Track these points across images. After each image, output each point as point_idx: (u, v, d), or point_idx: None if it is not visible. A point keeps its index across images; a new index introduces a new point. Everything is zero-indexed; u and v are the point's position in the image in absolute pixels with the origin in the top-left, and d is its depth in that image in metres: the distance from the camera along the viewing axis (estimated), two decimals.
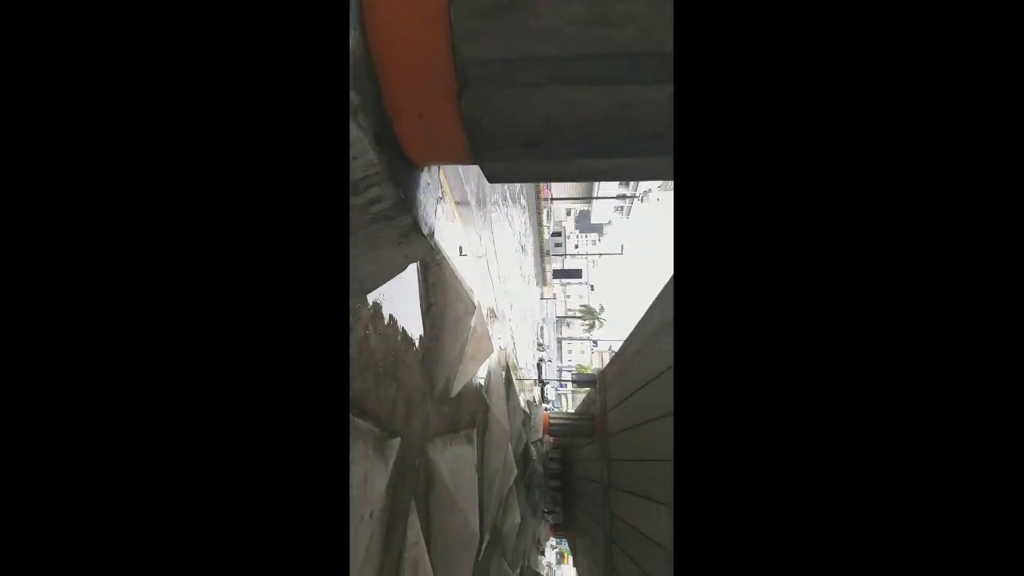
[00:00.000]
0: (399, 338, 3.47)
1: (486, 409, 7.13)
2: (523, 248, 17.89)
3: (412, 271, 3.71)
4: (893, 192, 0.79)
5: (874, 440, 0.79)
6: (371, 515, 2.91)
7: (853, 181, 0.81)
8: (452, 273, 4.20)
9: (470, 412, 6.15)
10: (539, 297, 25.94)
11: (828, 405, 0.81)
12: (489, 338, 6.52)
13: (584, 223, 69.06)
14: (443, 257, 4.05)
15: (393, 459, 3.15)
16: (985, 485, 0.74)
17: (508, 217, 12.72)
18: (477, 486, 5.87)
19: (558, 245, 34.46)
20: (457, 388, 5.10)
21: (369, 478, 2.88)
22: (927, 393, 0.78)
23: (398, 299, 3.45)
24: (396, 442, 3.22)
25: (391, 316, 3.31)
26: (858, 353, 0.81)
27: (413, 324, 3.68)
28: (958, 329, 0.77)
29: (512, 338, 11.90)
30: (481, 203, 8.32)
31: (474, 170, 7.99)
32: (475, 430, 6.18)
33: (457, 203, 6.47)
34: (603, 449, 9.54)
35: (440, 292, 4.13)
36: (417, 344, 3.77)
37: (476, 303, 4.98)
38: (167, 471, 0.82)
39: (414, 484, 3.78)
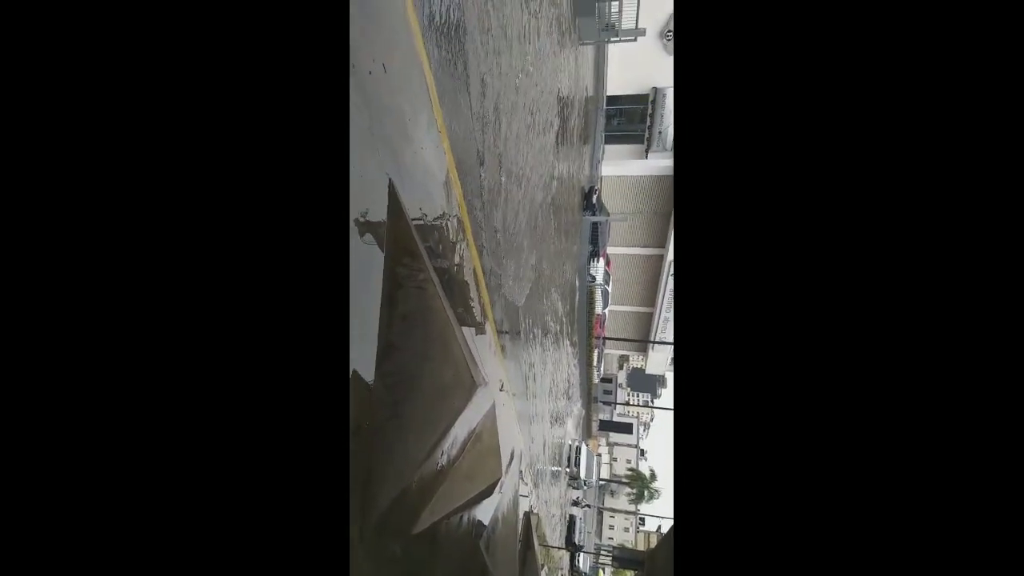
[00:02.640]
0: None
1: (482, 573, 4.79)
2: (567, 393, 15.84)
3: (375, 265, 2.23)
4: (889, 198, 0.93)
5: (865, 441, 0.93)
6: None
7: (850, 188, 0.95)
8: (443, 308, 2.62)
9: (451, 573, 3.96)
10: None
11: (826, 407, 0.96)
12: (499, 457, 4.57)
13: (637, 379, 65.05)
14: (430, 284, 2.51)
15: None
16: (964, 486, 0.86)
17: (554, 355, 11.24)
18: None
19: (608, 392, 31.33)
20: (427, 521, 3.14)
21: None
22: (909, 396, 0.91)
23: None
24: None
25: None
26: (849, 357, 0.95)
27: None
28: (950, 331, 0.88)
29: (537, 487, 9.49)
30: (526, 336, 7.07)
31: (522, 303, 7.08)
32: None
33: (500, 333, 5.24)
34: None
35: (413, 331, 2.51)
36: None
37: (481, 381, 3.29)
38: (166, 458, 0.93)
39: None
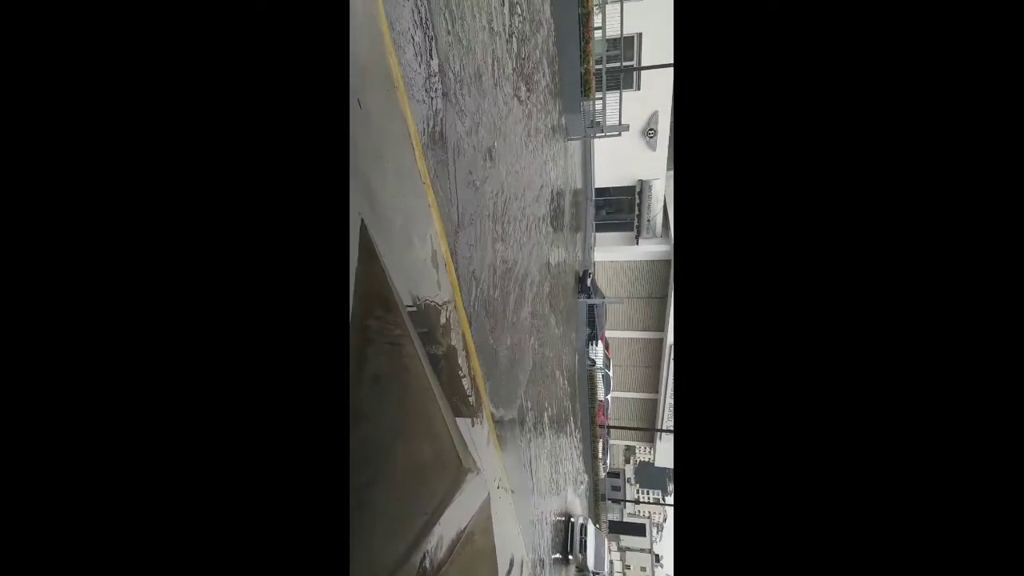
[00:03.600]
0: None
1: None
2: (574, 484, 14.55)
3: None
4: (886, 199, 0.92)
5: (867, 441, 0.93)
6: None
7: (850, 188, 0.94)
8: (423, 373, 2.21)
9: None
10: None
11: (826, 407, 0.95)
12: (495, 563, 3.87)
13: (645, 474, 60.80)
14: (408, 343, 2.16)
15: None
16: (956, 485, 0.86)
17: (556, 445, 10.32)
18: None
19: (616, 489, 28.60)
20: None
21: None
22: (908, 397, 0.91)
23: None
24: None
25: None
26: (847, 357, 0.95)
27: None
28: (950, 330, 0.87)
29: None
30: (525, 425, 6.57)
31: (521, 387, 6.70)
32: None
33: (496, 422, 4.86)
34: None
35: (387, 396, 2.11)
36: None
37: (472, 466, 2.80)
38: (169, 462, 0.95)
39: None
